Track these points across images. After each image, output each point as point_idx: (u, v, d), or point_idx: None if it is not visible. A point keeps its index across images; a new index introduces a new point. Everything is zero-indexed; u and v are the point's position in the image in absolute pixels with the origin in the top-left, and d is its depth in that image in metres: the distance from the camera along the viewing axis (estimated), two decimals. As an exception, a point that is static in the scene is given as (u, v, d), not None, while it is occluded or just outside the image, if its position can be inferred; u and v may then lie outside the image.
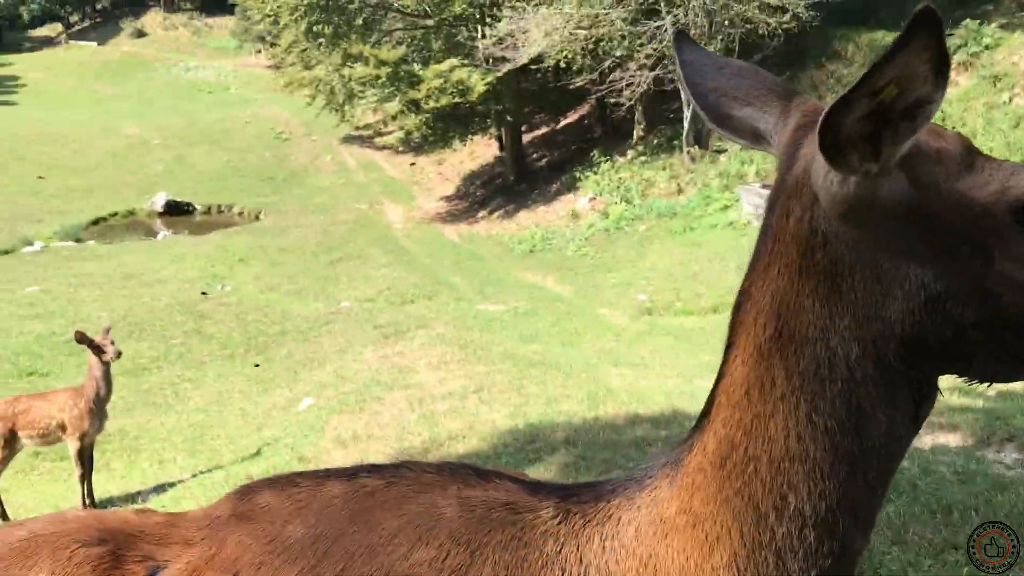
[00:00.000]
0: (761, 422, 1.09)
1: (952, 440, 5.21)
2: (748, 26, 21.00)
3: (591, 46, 22.91)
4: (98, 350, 6.69)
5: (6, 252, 24.64)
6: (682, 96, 22.57)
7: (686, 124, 22.65)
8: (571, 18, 22.20)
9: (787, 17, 20.50)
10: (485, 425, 6.30)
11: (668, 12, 21.36)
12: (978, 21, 20.03)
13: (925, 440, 5.26)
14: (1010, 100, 17.82)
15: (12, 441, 6.79)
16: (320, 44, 27.71)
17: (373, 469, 1.37)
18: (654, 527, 1.17)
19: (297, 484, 1.38)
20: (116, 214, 31.43)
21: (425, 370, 8.77)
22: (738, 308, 1.14)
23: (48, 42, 75.29)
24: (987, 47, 19.34)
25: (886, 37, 21.81)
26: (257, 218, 30.76)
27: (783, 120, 1.17)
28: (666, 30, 21.39)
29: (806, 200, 1.05)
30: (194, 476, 7.37)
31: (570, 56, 23.22)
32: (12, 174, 37.26)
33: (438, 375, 8.43)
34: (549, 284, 17.90)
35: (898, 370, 1.07)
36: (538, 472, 4.99)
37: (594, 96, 26.56)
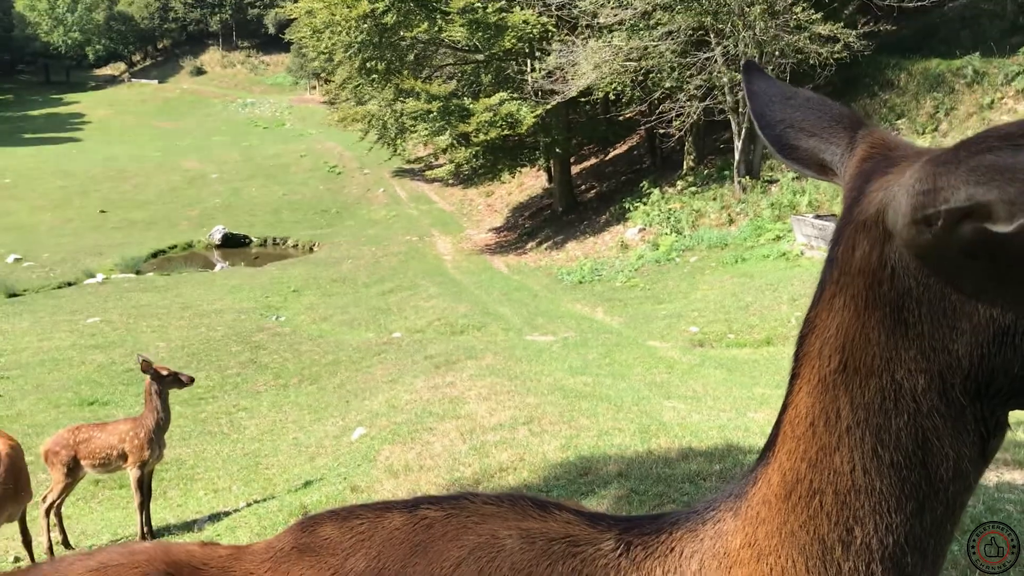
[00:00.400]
0: (826, 454, 1.08)
1: (1019, 477, 5.07)
2: (799, 56, 20.90)
3: (640, 78, 23.01)
4: (173, 380, 6.88)
5: (69, 284, 25.38)
6: (732, 126, 22.51)
7: (737, 154, 22.55)
8: (620, 51, 22.33)
9: (839, 47, 20.37)
10: (536, 457, 6.30)
11: (718, 43, 21.37)
12: (1037, 48, 19.73)
13: (990, 477, 5.13)
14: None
15: (75, 469, 6.96)
16: (373, 80, 28.25)
17: (433, 501, 1.38)
18: (717, 560, 1.15)
19: (358, 516, 1.39)
20: (175, 247, 32.20)
21: (475, 401, 8.79)
22: (803, 339, 1.12)
23: (112, 80, 77.87)
24: (1047, 74, 19.02)
25: (939, 66, 21.55)
26: (311, 250, 31.27)
27: (849, 151, 1.16)
28: (716, 61, 21.39)
29: (876, 236, 1.03)
30: (248, 505, 7.45)
31: (619, 88, 23.33)
32: (76, 208, 38.47)
33: (488, 406, 8.45)
34: (599, 315, 17.86)
35: (965, 404, 1.04)
36: (591, 505, 4.97)
37: (643, 127, 26.61)
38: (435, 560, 1.28)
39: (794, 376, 1.14)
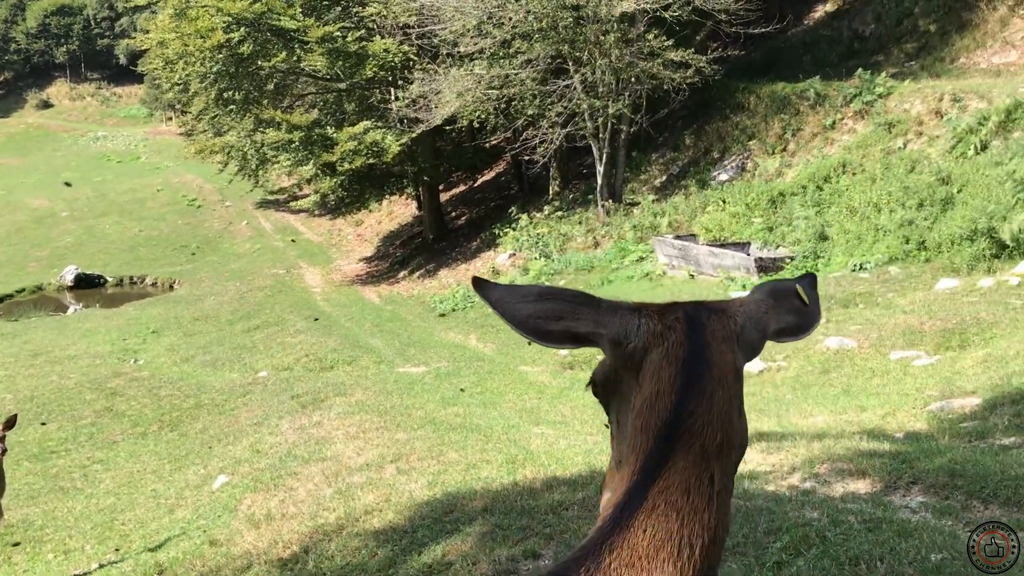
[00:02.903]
0: (697, 514, 1.21)
1: (861, 486, 5.30)
2: (654, 82, 21.63)
3: (503, 105, 23.28)
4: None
5: (-98, 335, 23.51)
6: (594, 151, 23.05)
7: (599, 178, 23.08)
8: (482, 79, 22.55)
9: (691, 72, 21.20)
10: (402, 496, 6.18)
11: (576, 71, 21.87)
12: (870, 71, 21.02)
13: (836, 488, 5.35)
14: (904, 145, 18.66)
15: (-102, 544, 6.39)
16: (231, 110, 27.54)
17: None
18: None
19: None
20: (23, 290, 30.45)
21: (342, 440, 8.58)
22: (679, 424, 1.26)
23: (-52, 115, 73.14)
24: (880, 95, 20.27)
25: (785, 89, 22.69)
26: (171, 288, 30.12)
27: (603, 315, 1.35)
28: (575, 88, 21.88)
29: (735, 347, 1.36)
30: (101, 567, 7.02)
31: (483, 116, 23.54)
32: (-91, 253, 35.81)
33: (356, 445, 8.27)
34: (472, 343, 17.85)
35: None
36: (456, 545, 4.90)
37: (509, 153, 26.93)
38: None
39: (666, 453, 1.24)
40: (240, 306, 23.73)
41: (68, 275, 30.96)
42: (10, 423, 6.35)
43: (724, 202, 20.27)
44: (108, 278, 31.84)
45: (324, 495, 6.67)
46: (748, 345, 1.37)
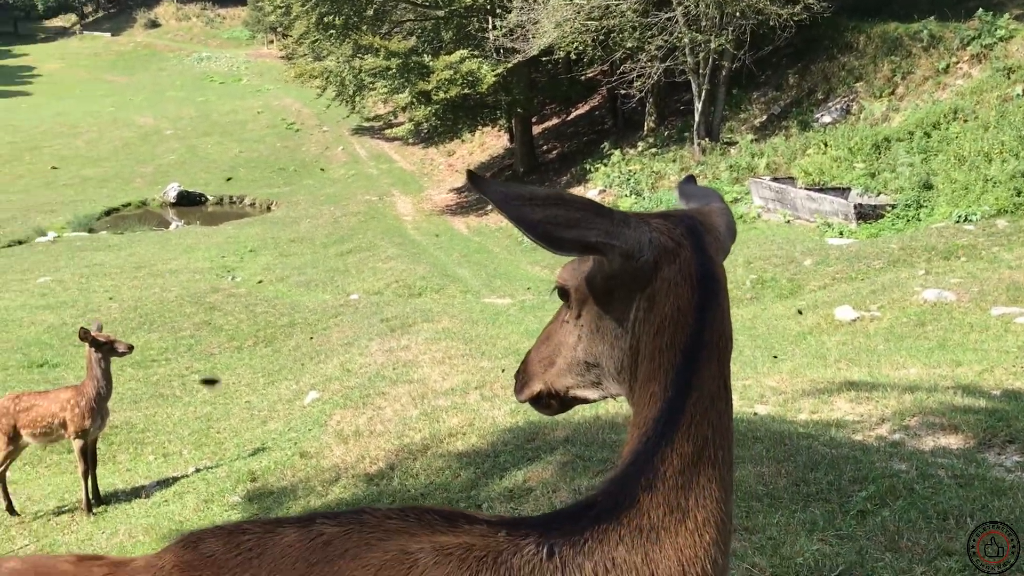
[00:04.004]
0: (722, 419, 1.32)
1: (953, 442, 5.18)
2: (760, 17, 20.86)
3: (602, 37, 22.84)
4: (109, 348, 6.68)
5: (20, 242, 24.82)
6: (693, 88, 22.49)
7: (697, 116, 22.55)
8: (581, 9, 22.12)
9: (799, 8, 20.36)
10: (485, 422, 6.30)
11: (679, 3, 21.24)
12: (991, 12, 19.83)
13: (926, 441, 5.23)
14: (1023, 92, 17.66)
15: (15, 439, 6.83)
16: (331, 35, 27.73)
17: (330, 516, 1.33)
18: (644, 535, 1.24)
19: (246, 532, 1.33)
20: (129, 204, 31.61)
21: (429, 365, 8.77)
22: (701, 339, 1.34)
23: (62, 32, 75.66)
24: (1001, 38, 19.15)
25: (897, 30, 21.63)
26: (268, 209, 30.87)
27: (617, 225, 1.34)
28: (677, 21, 21.29)
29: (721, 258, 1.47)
30: (197, 471, 7.39)
31: (581, 47, 23.15)
32: (26, 165, 37.52)
33: (441, 370, 8.44)
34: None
35: None
36: (537, 472, 4.99)
37: (605, 87, 26.49)
38: None
39: (688, 369, 1.32)
40: (334, 230, 24.22)
41: (171, 192, 32.01)
42: (83, 335, 6.59)
43: (826, 145, 19.61)
44: (209, 197, 32.79)
45: (410, 416, 6.85)
46: (724, 254, 1.45)
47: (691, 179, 1.77)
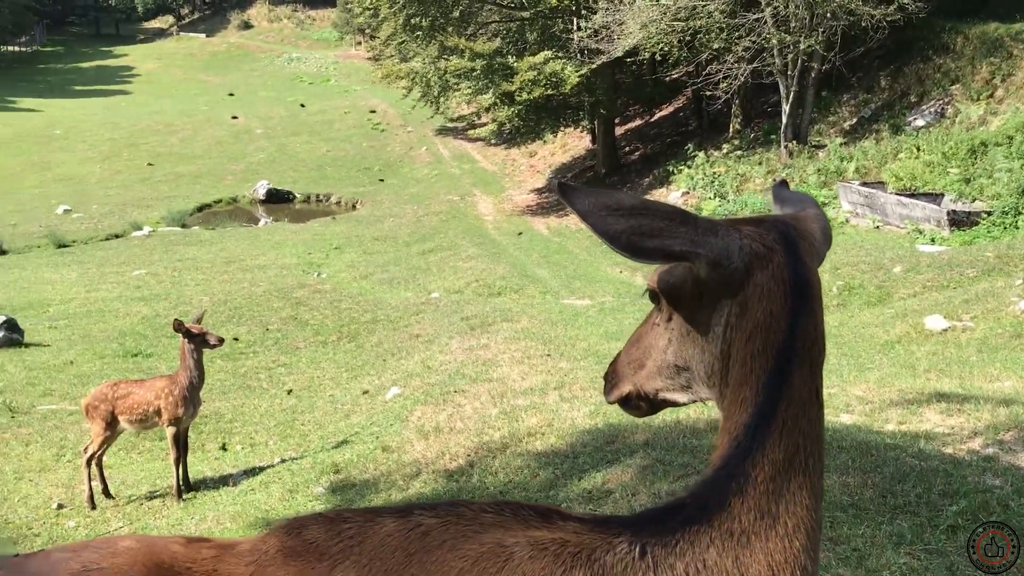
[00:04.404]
0: (813, 426, 1.33)
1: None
2: (851, 18, 20.37)
3: (688, 38, 22.61)
4: (201, 340, 6.93)
5: (117, 236, 25.85)
6: (780, 89, 22.09)
7: (784, 118, 22.14)
8: (668, 10, 21.93)
9: (892, 8, 19.80)
10: (564, 422, 6.33)
11: (768, 4, 20.89)
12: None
13: (1022, 457, 5.06)
14: None
15: (113, 424, 7.14)
16: (417, 36, 28.09)
17: (427, 507, 1.36)
18: (735, 538, 1.26)
19: (347, 520, 1.37)
20: (220, 201, 32.57)
21: (508, 364, 8.83)
22: (794, 345, 1.34)
23: (160, 33, 78.41)
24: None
25: (998, 30, 20.85)
26: (354, 207, 31.44)
27: (701, 233, 1.34)
28: (765, 22, 20.94)
29: (815, 264, 1.48)
30: (283, 461, 7.60)
31: (666, 48, 22.96)
32: (124, 161, 39.01)
33: (520, 369, 8.49)
34: (638, 280, 17.77)
35: None
36: (616, 474, 5.00)
37: (690, 88, 26.22)
38: (434, 571, 1.26)
39: (780, 374, 1.33)
40: (416, 229, 24.55)
41: (260, 189, 32.88)
42: (177, 326, 6.84)
43: (918, 149, 19.03)
44: (296, 194, 33.56)
45: (490, 414, 6.92)
46: (820, 260, 1.44)
47: (784, 184, 1.76)
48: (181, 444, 7.16)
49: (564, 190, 1.34)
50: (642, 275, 18.07)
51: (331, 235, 24.29)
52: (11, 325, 13.22)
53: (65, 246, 24.49)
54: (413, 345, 11.62)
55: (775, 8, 20.79)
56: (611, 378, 1.70)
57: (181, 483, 7.15)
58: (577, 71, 25.04)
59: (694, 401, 1.57)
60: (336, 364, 11.85)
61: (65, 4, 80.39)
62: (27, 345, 13.14)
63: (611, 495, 4.69)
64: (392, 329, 13.17)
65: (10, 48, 69.69)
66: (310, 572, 1.32)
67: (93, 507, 7.10)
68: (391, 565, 1.28)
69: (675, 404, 1.62)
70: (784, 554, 1.26)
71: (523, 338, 10.16)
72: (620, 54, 23.76)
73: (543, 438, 6.03)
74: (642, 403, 1.65)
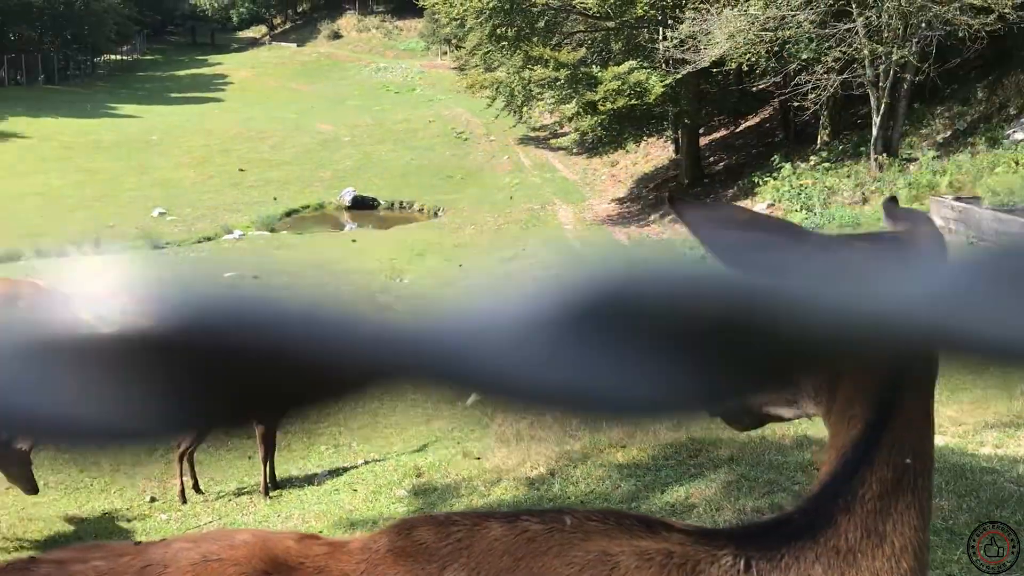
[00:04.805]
0: (924, 447, 1.35)
1: None
2: (947, 28, 19.77)
3: (776, 49, 22.27)
4: None
5: (208, 239, 26.72)
6: (871, 101, 21.59)
7: (875, 130, 21.61)
8: (756, 20, 21.65)
9: (991, 18, 19.15)
10: (647, 435, 6.30)
11: (860, 14, 20.44)
12: None
13: None
14: None
15: (207, 419, 7.39)
16: (502, 46, 28.32)
17: (534, 513, 1.38)
18: (840, 555, 1.26)
19: (456, 523, 1.39)
20: (307, 207, 33.33)
21: (590, 374, 8.83)
22: (905, 366, 1.31)
23: (253, 43, 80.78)
24: None
25: (1107, 40, 19.99)
26: (436, 215, 31.82)
27: None
28: (857, 32, 20.49)
29: None
30: (366, 463, 7.75)
31: (753, 59, 22.66)
32: (217, 166, 40.27)
33: (603, 380, 8.48)
34: (720, 292, 17.58)
35: None
36: (700, 489, 4.96)
37: (777, 99, 25.80)
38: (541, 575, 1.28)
39: (895, 391, 1.33)
40: (497, 237, 24.73)
41: (346, 196, 33.54)
42: None
43: (1017, 164, 18.36)
44: (380, 201, 34.14)
45: (570, 423, 6.93)
46: None
47: (894, 200, 1.73)
48: (269, 444, 7.36)
49: (674, 202, 1.35)
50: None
51: (413, 241, 24.64)
52: (110, 323, 13.76)
53: (160, 248, 25.41)
54: (494, 352, 11.70)
55: (867, 18, 20.33)
56: None
57: (268, 481, 7.35)
58: (662, 81, 24.91)
59: (799, 417, 1.57)
60: (418, 369, 12.00)
61: (165, 14, 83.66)
62: (124, 342, 13.66)
63: (694, 509, 4.67)
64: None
65: (113, 57, 72.75)
66: (420, 572, 1.34)
67: (184, 501, 7.36)
68: (499, 569, 1.30)
69: (779, 419, 1.62)
70: (890, 575, 1.25)
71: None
72: (706, 64, 23.54)
73: (624, 450, 6.02)
74: (745, 416, 1.65)
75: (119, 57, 73.50)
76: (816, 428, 6.21)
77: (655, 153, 34.44)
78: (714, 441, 5.79)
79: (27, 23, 60.43)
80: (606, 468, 5.71)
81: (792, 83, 22.67)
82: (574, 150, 36.80)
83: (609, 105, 25.19)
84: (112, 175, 38.87)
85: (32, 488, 6.56)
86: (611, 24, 26.61)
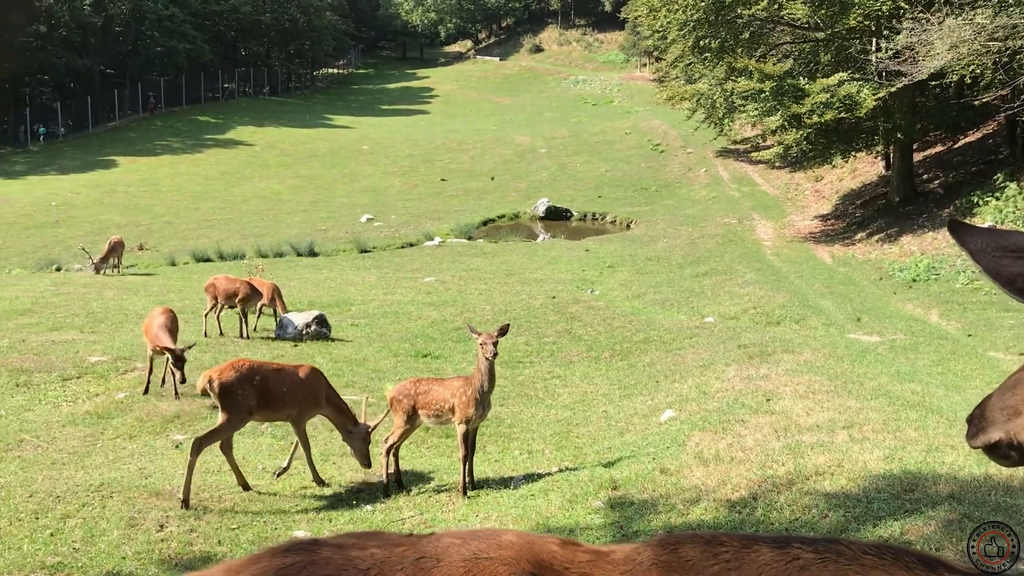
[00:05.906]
0: None
1: None
2: None
3: (1005, 60, 20.69)
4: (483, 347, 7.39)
5: (411, 244, 27.95)
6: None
7: (1120, 148, 19.61)
8: (983, 29, 20.19)
9: None
10: (856, 464, 6.01)
11: (1108, 20, 18.64)
12: None
13: None
14: None
15: (413, 417, 7.73)
16: (705, 58, 27.92)
17: (805, 541, 1.35)
18: None
19: (723, 543, 1.37)
20: (503, 216, 34.19)
21: (791, 397, 8.52)
22: None
23: (459, 57, 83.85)
24: None
25: None
26: (628, 227, 31.77)
27: None
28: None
29: None
30: (560, 471, 7.83)
31: (978, 70, 21.15)
32: (421, 176, 42.09)
33: (805, 404, 8.16)
34: (933, 318, 16.48)
35: None
36: (917, 526, 4.68)
37: (1003, 114, 23.94)
38: None
39: None
40: (691, 251, 24.34)
41: (541, 206, 34.11)
42: (503, 330, 7.33)
43: None
44: (573, 212, 34.47)
45: (773, 447, 6.72)
46: None
47: (957, 223, 1.57)
48: (469, 444, 7.59)
49: (955, 227, 1.30)
50: (938, 313, 16.71)
51: (604, 253, 24.68)
52: (321, 320, 14.66)
53: (367, 251, 26.84)
54: (687, 368, 11.52)
55: (1117, 24, 18.52)
56: (978, 422, 1.62)
57: (466, 481, 7.58)
58: (874, 94, 23.69)
59: None
60: (609, 380, 12.00)
61: (378, 30, 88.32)
62: (333, 339, 14.50)
63: (911, 547, 4.40)
64: (665, 351, 13.13)
65: (330, 70, 77.58)
66: None
67: (387, 494, 7.70)
68: None
69: None
70: None
71: (806, 371, 9.76)
72: (924, 76, 22.19)
73: (832, 478, 5.76)
74: (1013, 452, 1.56)
75: (335, 70, 78.31)
76: (1050, 471, 5.70)
77: (863, 169, 32.81)
78: (931, 476, 5.45)
79: (256, 39, 65.60)
80: (812, 496, 5.48)
81: (1022, 96, 20.97)
82: (776, 164, 35.72)
83: (816, 118, 24.24)
84: (326, 182, 41.50)
85: (367, 463, 8.00)
86: (820, 35, 25.63)
